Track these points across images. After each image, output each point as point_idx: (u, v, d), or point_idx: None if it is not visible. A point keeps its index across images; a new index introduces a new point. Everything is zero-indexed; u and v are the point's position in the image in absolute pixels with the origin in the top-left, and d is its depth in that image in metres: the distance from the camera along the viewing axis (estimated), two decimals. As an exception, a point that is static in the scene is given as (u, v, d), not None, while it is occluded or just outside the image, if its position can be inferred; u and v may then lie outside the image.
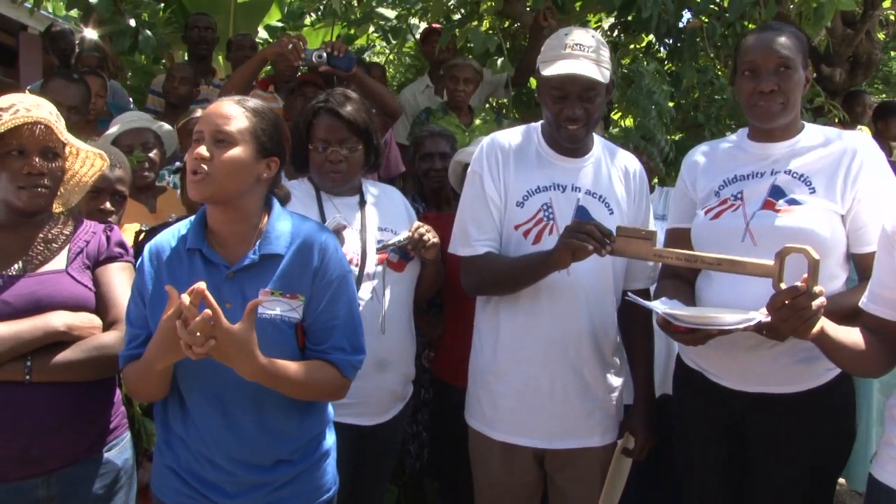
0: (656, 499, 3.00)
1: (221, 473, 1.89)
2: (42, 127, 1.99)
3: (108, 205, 2.60)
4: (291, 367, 1.84)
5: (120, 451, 2.15)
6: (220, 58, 7.06)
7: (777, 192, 2.20)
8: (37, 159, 1.99)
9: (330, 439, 2.08)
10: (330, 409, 2.11)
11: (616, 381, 2.50)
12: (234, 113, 1.90)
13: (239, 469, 1.89)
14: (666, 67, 4.40)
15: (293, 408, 1.94)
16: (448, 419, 3.03)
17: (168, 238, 1.95)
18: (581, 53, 2.30)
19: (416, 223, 2.59)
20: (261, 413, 1.90)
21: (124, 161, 2.71)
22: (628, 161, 2.54)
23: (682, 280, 2.37)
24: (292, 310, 1.88)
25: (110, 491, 2.11)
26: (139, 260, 1.93)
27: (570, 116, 2.32)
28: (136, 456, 2.26)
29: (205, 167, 1.84)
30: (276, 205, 2.02)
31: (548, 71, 2.33)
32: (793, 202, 2.17)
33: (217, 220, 1.93)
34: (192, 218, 1.99)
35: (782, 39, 2.19)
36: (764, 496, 2.25)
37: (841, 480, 3.09)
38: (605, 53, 2.35)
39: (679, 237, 2.37)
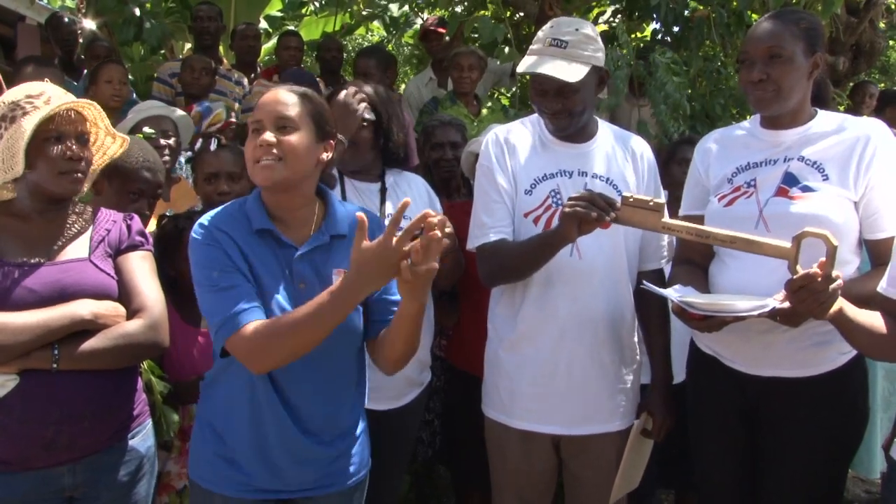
0: (672, 484, 3.04)
1: (284, 451, 1.93)
2: (74, 112, 2.01)
3: (145, 209, 2.62)
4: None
5: (143, 438, 2.17)
6: (221, 47, 7.05)
7: (790, 180, 2.22)
8: (74, 144, 2.01)
9: (364, 421, 2.13)
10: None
11: (635, 363, 2.53)
12: (291, 99, 1.94)
13: (304, 444, 1.93)
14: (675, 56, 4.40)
15: (351, 376, 2.02)
16: (460, 407, 3.05)
17: (223, 219, 1.95)
18: (555, 50, 2.33)
19: (426, 210, 2.60)
20: (327, 379, 1.95)
21: (162, 167, 2.72)
22: (636, 144, 2.56)
23: (695, 266, 2.39)
24: None
25: (134, 478, 2.13)
26: (201, 234, 1.91)
27: (548, 109, 2.38)
28: (156, 443, 2.27)
29: (274, 152, 1.87)
30: (328, 189, 2.07)
31: (520, 66, 2.40)
32: (806, 189, 2.18)
33: (279, 205, 1.96)
34: (240, 200, 2.01)
35: (775, 28, 2.19)
36: (777, 479, 2.27)
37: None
38: (590, 47, 2.37)
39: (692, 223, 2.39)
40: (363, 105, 2.61)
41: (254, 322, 1.81)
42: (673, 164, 3.28)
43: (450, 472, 3.65)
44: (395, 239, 1.67)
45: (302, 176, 1.94)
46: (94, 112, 2.09)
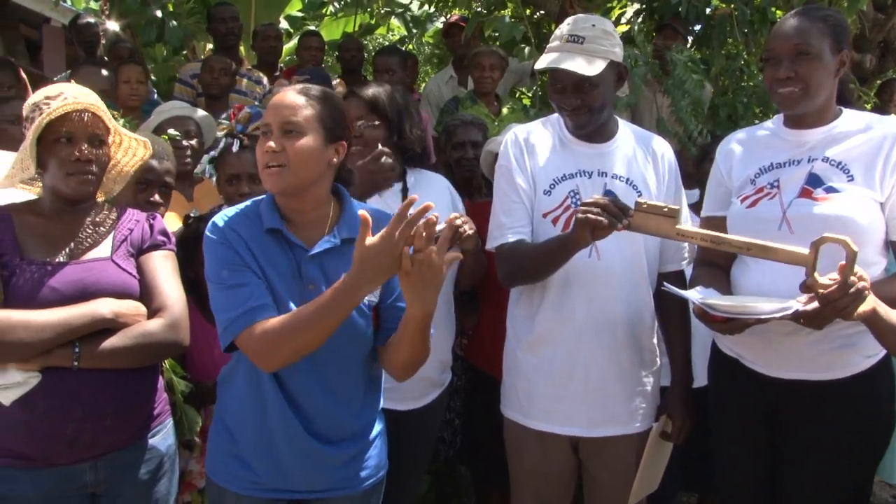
0: (695, 487, 3.00)
1: (292, 452, 1.93)
2: (89, 114, 2.02)
3: (156, 196, 2.63)
4: None
5: (163, 437, 2.18)
6: (241, 47, 7.09)
7: (814, 180, 2.18)
8: (84, 146, 2.02)
9: (381, 423, 2.12)
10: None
11: (654, 365, 2.51)
12: (300, 102, 1.92)
13: (311, 446, 1.93)
14: (694, 54, 4.37)
15: (360, 381, 2.00)
16: (481, 406, 3.04)
17: (236, 218, 1.95)
18: (573, 46, 2.33)
19: (454, 213, 2.60)
20: (334, 383, 1.94)
21: (170, 153, 2.73)
22: (658, 145, 2.54)
23: (717, 268, 2.36)
24: (371, 293, 1.91)
25: (155, 476, 2.14)
26: (214, 233, 1.92)
27: (567, 106, 2.37)
28: (177, 442, 2.29)
29: (279, 159, 1.86)
30: (345, 189, 2.06)
31: (538, 63, 2.39)
32: (830, 190, 2.15)
33: (291, 208, 1.96)
34: (257, 200, 2.01)
35: (802, 24, 2.16)
36: (800, 483, 2.25)
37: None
38: (608, 42, 2.36)
39: (714, 226, 2.35)
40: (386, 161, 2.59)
41: (262, 320, 1.81)
42: (706, 162, 3.25)
43: (470, 472, 3.64)
44: (396, 232, 1.65)
45: (310, 180, 1.92)
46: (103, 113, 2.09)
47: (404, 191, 2.71)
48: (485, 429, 2.96)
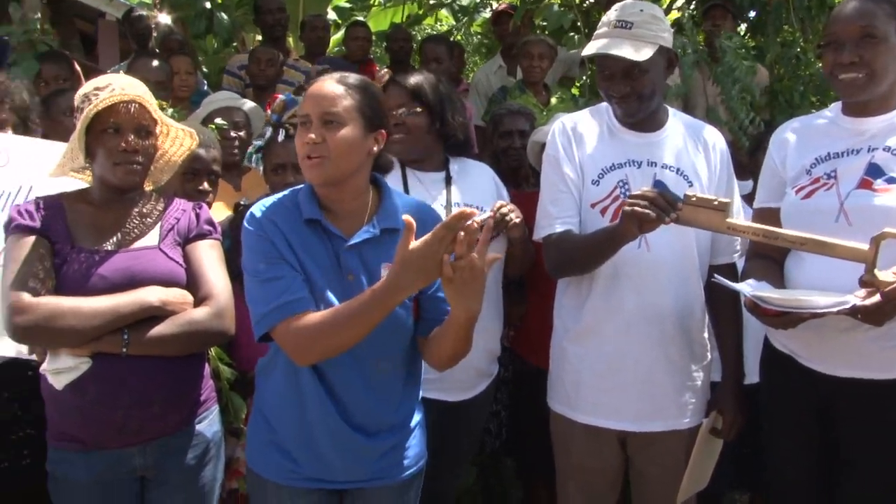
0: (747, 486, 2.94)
1: (331, 443, 1.93)
2: (136, 105, 2.05)
3: (205, 185, 2.65)
4: None
5: (209, 423, 2.21)
6: (290, 39, 7.14)
7: (874, 171, 2.10)
8: (131, 137, 2.05)
9: (420, 413, 2.11)
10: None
11: (705, 359, 2.46)
12: (338, 92, 1.89)
13: (350, 437, 1.92)
14: (747, 42, 4.26)
15: (399, 373, 1.99)
16: (527, 398, 3.02)
17: (274, 208, 1.94)
18: (621, 31, 2.28)
19: (499, 202, 2.57)
20: (374, 374, 1.93)
21: (216, 142, 2.76)
22: (709, 134, 2.49)
23: (770, 260, 2.29)
24: None
25: (201, 462, 2.18)
26: (252, 224, 1.92)
27: (615, 93, 2.32)
28: (223, 429, 2.32)
29: (320, 151, 1.85)
30: (383, 179, 2.05)
31: (585, 50, 2.36)
32: (892, 181, 2.07)
33: (330, 198, 1.94)
34: (296, 189, 2.00)
35: (866, 7, 2.08)
36: (857, 482, 2.18)
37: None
38: (656, 27, 2.31)
39: (767, 217, 2.29)
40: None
41: (297, 315, 1.80)
42: (760, 152, 3.17)
43: (516, 464, 3.62)
44: (439, 237, 1.63)
45: (351, 171, 1.90)
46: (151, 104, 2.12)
47: (447, 179, 2.69)
48: (531, 421, 2.93)
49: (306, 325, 1.79)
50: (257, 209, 1.94)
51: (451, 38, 6.74)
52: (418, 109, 2.65)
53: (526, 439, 3.20)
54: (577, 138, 2.42)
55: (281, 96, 4.26)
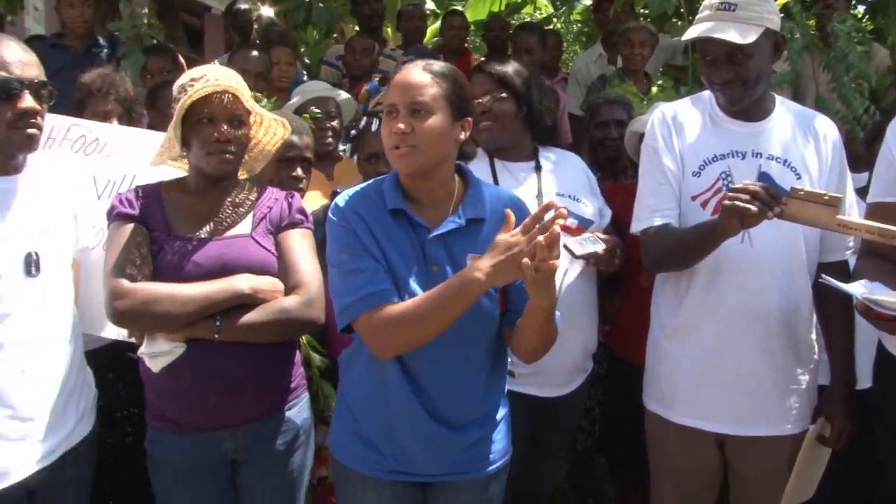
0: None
1: (415, 436, 1.91)
2: (229, 96, 2.08)
3: (299, 171, 2.67)
4: None
5: (299, 410, 2.23)
6: (388, 29, 7.19)
7: None
8: (224, 126, 2.08)
9: (505, 407, 2.08)
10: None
11: (811, 362, 2.32)
12: (425, 80, 1.87)
13: (433, 430, 1.90)
14: (866, 25, 4.00)
15: (485, 364, 1.96)
16: (621, 395, 2.94)
17: (357, 199, 1.94)
18: (724, 14, 2.17)
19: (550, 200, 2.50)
20: (458, 366, 1.91)
21: (308, 129, 2.79)
22: (821, 124, 2.35)
23: (886, 260, 2.13)
24: None
25: (290, 448, 2.20)
26: (335, 215, 1.92)
27: (718, 79, 2.22)
28: (313, 416, 2.33)
29: (408, 141, 1.83)
30: (467, 167, 2.02)
31: (687, 34, 2.26)
32: None
33: (418, 187, 1.93)
34: (380, 179, 1.99)
35: None
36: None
37: None
38: (762, 7, 2.19)
39: (883, 213, 2.12)
40: None
41: (379, 306, 1.80)
42: (878, 142, 2.98)
43: (608, 462, 3.54)
44: (523, 237, 1.65)
45: (439, 160, 1.88)
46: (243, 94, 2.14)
47: (537, 168, 2.63)
48: (625, 418, 2.86)
49: (388, 317, 1.79)
50: (341, 199, 1.94)
51: (550, 27, 6.64)
52: (504, 95, 2.60)
53: (619, 437, 3.13)
54: (678, 128, 2.33)
55: (366, 86, 4.29)
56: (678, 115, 2.36)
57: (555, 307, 1.78)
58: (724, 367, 2.25)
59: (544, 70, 5.06)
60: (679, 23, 4.41)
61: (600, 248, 2.46)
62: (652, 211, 2.30)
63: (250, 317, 2.02)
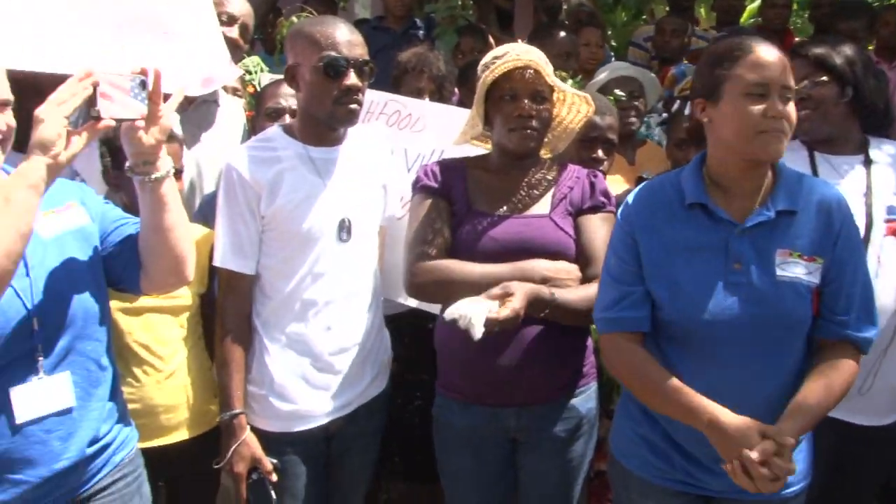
0: None
1: (700, 447, 1.78)
2: (531, 71, 2.06)
3: (600, 153, 2.61)
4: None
5: (585, 399, 2.18)
6: (701, 9, 6.84)
7: None
8: (526, 102, 2.06)
9: None
10: None
11: None
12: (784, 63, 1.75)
13: None
14: None
15: (788, 376, 1.78)
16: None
17: (645, 199, 1.86)
18: None
19: None
20: (762, 374, 1.76)
21: (612, 109, 2.70)
22: None
23: None
24: (810, 273, 1.74)
25: (572, 436, 2.16)
26: (622, 212, 1.87)
27: None
28: (599, 407, 2.27)
29: (784, 127, 1.71)
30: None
31: None
32: None
33: (733, 176, 1.79)
34: (679, 170, 1.88)
35: None
36: None
37: None
38: None
39: None
40: None
41: (627, 333, 1.81)
42: None
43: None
44: None
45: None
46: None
47: (866, 163, 2.29)
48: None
49: (626, 358, 1.82)
50: (632, 195, 1.87)
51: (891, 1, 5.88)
52: (824, 79, 2.30)
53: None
54: None
55: (672, 69, 4.07)
56: None
57: None
58: None
59: (884, 52, 4.49)
60: None
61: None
62: None
63: (569, 298, 1.99)
